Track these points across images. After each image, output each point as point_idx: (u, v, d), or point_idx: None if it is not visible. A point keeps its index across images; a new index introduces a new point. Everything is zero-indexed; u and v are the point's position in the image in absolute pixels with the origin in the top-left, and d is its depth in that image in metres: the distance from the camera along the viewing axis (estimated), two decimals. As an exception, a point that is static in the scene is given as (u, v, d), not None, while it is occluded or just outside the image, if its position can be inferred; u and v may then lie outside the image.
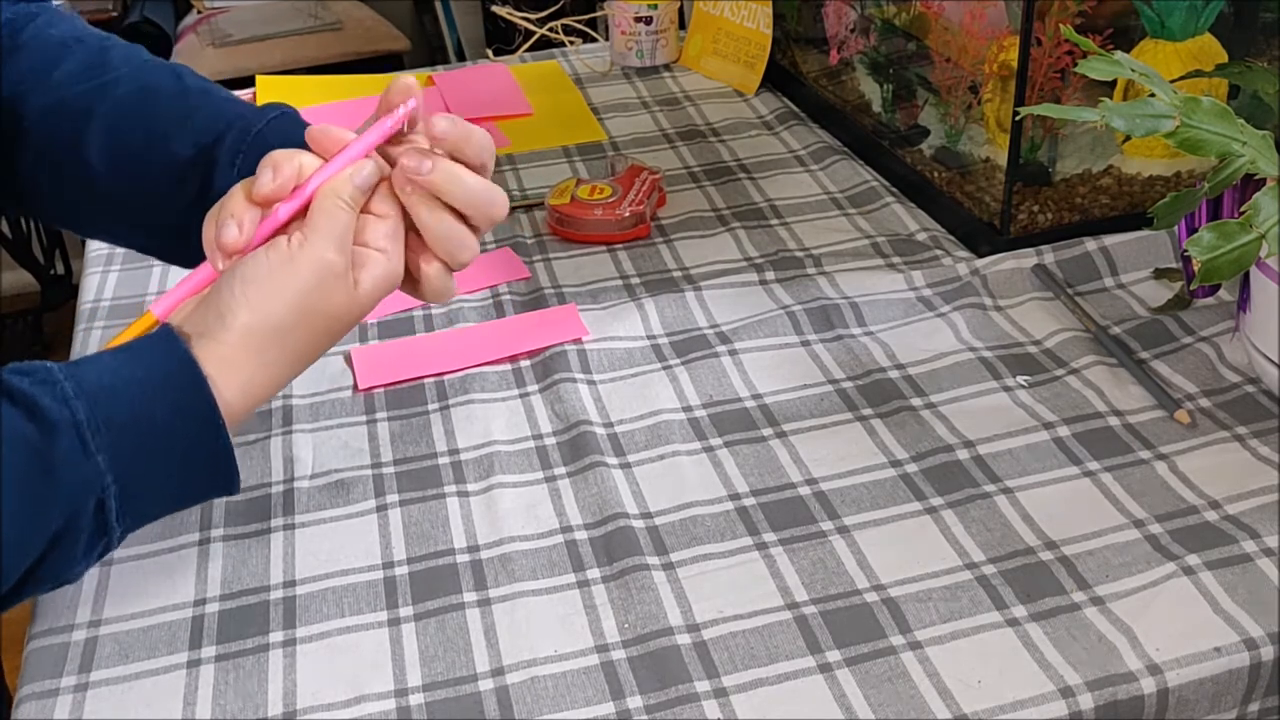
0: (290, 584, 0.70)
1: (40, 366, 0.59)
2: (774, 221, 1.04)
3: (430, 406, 0.84)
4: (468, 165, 0.65)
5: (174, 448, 0.60)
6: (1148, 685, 0.62)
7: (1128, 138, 0.96)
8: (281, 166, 0.63)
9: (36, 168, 0.74)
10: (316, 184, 0.64)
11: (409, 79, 0.65)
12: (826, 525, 0.73)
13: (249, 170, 0.69)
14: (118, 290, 0.99)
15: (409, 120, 0.65)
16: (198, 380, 0.60)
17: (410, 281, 0.67)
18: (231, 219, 0.63)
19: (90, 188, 0.73)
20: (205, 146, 0.71)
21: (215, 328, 0.61)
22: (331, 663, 0.66)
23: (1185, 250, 0.70)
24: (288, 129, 0.73)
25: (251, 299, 0.61)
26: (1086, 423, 0.79)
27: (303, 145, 0.69)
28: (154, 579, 0.71)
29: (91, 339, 0.93)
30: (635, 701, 0.62)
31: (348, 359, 0.89)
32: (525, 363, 0.88)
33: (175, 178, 0.72)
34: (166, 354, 0.60)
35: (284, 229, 0.64)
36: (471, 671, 0.65)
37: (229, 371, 0.61)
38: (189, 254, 0.75)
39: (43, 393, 0.57)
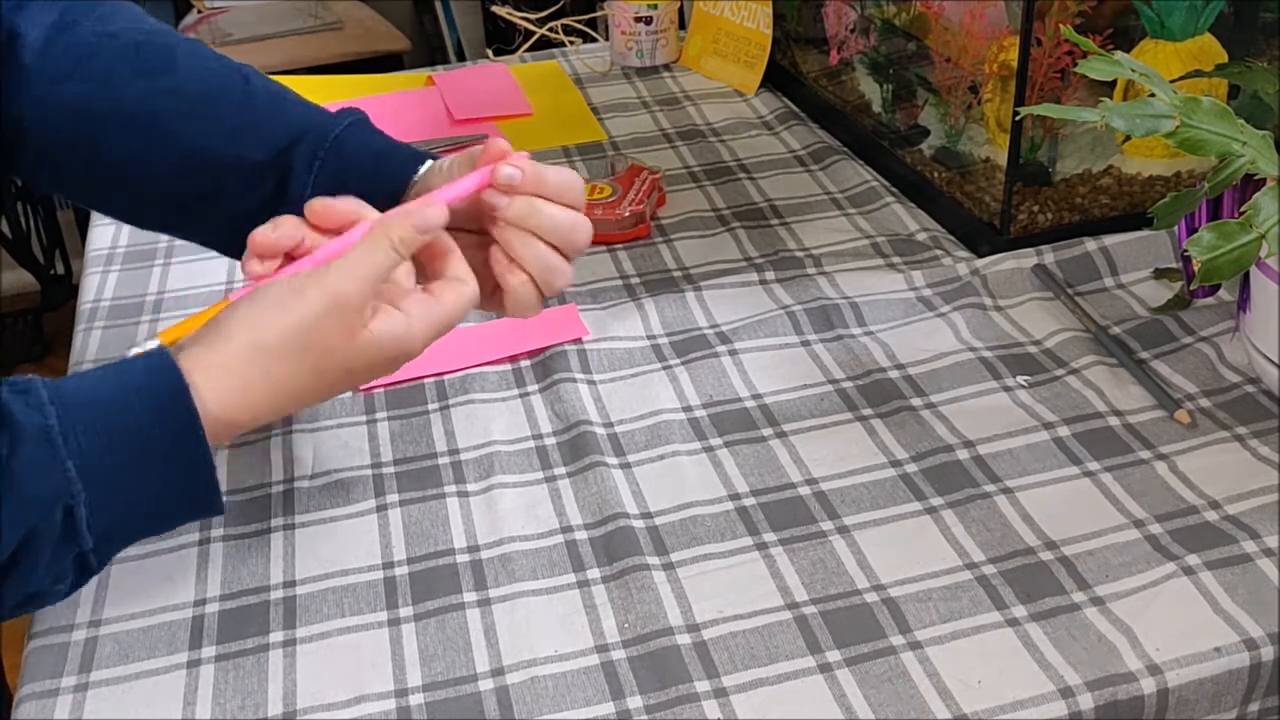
0: (290, 584, 0.70)
1: (24, 378, 0.58)
2: (774, 221, 1.04)
3: (430, 406, 0.84)
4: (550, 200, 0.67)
5: (150, 452, 0.59)
6: (1148, 685, 0.62)
7: (1128, 138, 0.96)
8: (282, 223, 0.64)
9: (91, 167, 0.74)
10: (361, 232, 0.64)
11: (503, 143, 0.67)
12: (826, 525, 0.73)
13: (326, 175, 0.71)
14: (118, 290, 0.99)
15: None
16: (178, 386, 0.59)
17: (495, 298, 0.69)
18: (272, 221, 0.64)
19: (152, 186, 0.73)
20: (280, 151, 0.72)
21: (209, 336, 0.61)
22: (331, 663, 0.66)
23: (1185, 250, 0.70)
24: (365, 136, 0.73)
25: (252, 315, 0.61)
26: (1086, 423, 0.79)
27: (379, 151, 0.71)
28: (154, 579, 0.71)
29: (92, 339, 0.93)
30: (635, 701, 0.62)
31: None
32: (525, 363, 0.88)
33: (245, 180, 0.72)
34: (147, 364, 0.60)
35: None
36: (471, 671, 0.65)
37: (212, 377, 0.60)
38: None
39: (15, 399, 0.57)
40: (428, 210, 0.64)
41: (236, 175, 0.72)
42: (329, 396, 0.65)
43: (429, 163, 0.73)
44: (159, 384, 0.59)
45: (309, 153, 0.71)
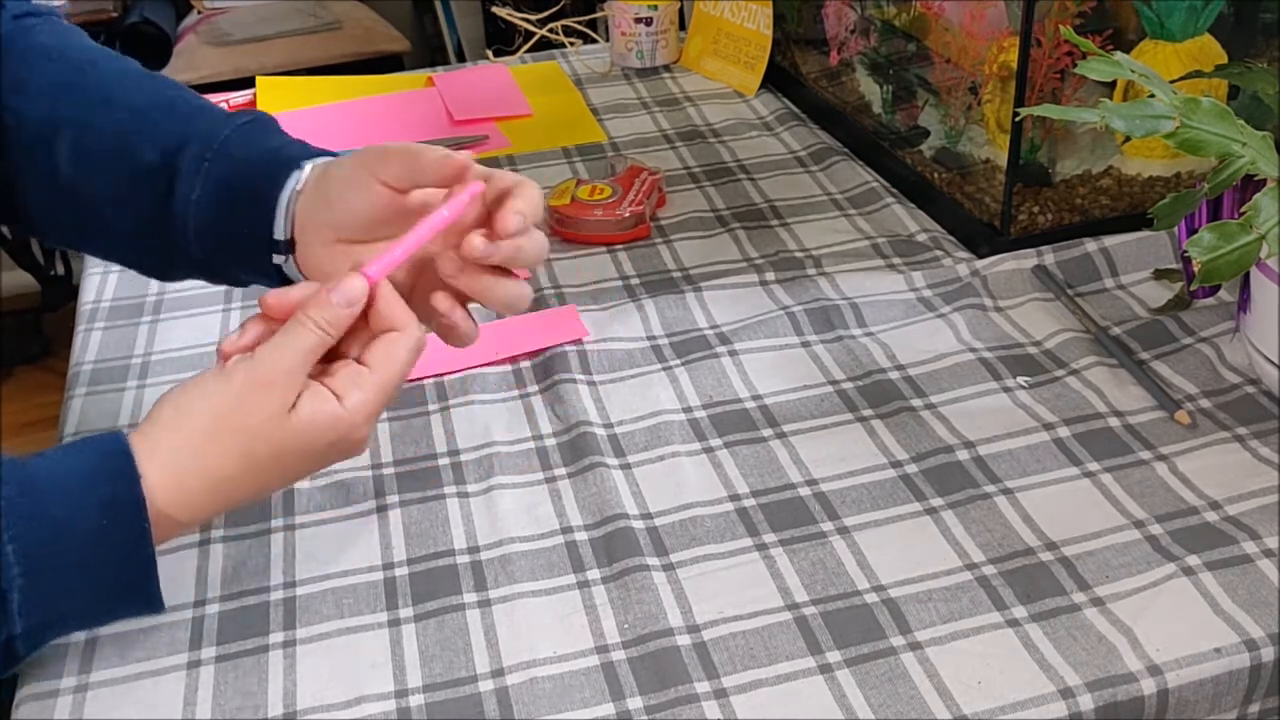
0: (290, 584, 0.70)
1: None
2: (774, 222, 1.04)
3: (430, 407, 0.84)
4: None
5: (95, 548, 0.58)
6: (1148, 686, 0.62)
7: (1128, 138, 0.96)
8: (247, 330, 0.62)
9: (13, 175, 0.73)
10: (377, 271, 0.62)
11: (464, 159, 0.65)
12: (826, 526, 0.73)
13: (213, 177, 0.70)
14: (118, 291, 0.99)
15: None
16: (130, 477, 0.58)
17: (443, 327, 0.67)
18: (241, 328, 0.63)
19: (58, 194, 0.73)
20: (169, 151, 0.70)
21: (145, 424, 0.60)
22: (331, 663, 0.66)
23: (1185, 251, 0.70)
24: (256, 136, 0.72)
25: (181, 399, 0.60)
26: (1087, 423, 0.79)
27: (271, 152, 0.69)
28: (154, 579, 0.71)
29: (92, 339, 0.93)
30: (635, 702, 0.62)
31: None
32: (525, 363, 0.88)
33: (138, 183, 0.71)
34: (101, 448, 0.59)
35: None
36: (471, 672, 0.65)
37: (147, 465, 0.59)
38: (151, 263, 0.75)
39: None
40: (349, 283, 0.61)
41: (127, 175, 0.71)
42: (269, 488, 0.63)
43: (315, 161, 0.70)
44: (112, 469, 0.58)
45: (197, 154, 0.70)
